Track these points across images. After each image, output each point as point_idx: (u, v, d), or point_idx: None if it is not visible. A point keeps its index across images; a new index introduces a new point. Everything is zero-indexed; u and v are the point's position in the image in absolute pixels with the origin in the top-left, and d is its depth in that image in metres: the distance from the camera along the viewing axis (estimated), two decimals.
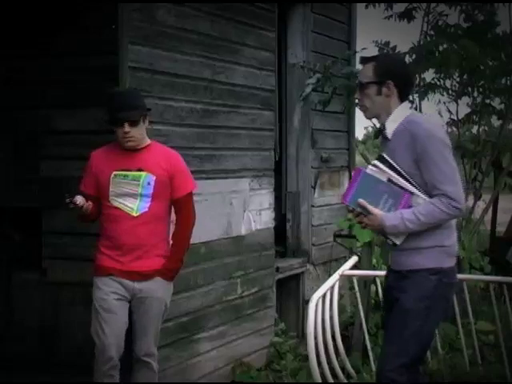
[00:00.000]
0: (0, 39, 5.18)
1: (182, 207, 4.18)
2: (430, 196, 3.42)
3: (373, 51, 6.92)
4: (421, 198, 3.44)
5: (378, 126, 3.69)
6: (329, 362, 4.87)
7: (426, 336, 3.52)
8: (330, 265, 7.20)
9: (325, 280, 5.31)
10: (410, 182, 3.45)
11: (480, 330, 6.13)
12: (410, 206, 3.44)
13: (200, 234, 5.27)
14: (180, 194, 4.16)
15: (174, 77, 5.01)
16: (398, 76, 3.52)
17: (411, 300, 3.43)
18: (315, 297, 4.69)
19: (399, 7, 7.01)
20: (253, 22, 5.88)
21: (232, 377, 5.70)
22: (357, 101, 3.65)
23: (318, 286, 5.10)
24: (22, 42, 5.22)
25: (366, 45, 6.94)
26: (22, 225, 5.39)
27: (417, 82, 6.86)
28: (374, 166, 3.48)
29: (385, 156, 3.48)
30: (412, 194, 3.45)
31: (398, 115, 3.51)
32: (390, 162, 3.46)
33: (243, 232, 5.83)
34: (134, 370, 4.16)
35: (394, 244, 3.49)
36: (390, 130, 3.51)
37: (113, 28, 4.63)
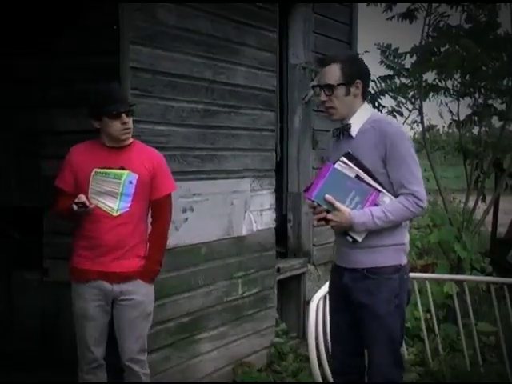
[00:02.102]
0: (0, 38, 5.18)
1: (161, 208, 4.12)
2: (395, 194, 3.46)
3: (375, 53, 6.95)
4: (387, 196, 3.46)
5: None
6: (330, 363, 4.86)
7: (401, 332, 3.60)
8: (331, 265, 7.18)
9: (326, 280, 5.28)
10: (376, 180, 3.46)
11: (481, 331, 6.14)
12: (375, 204, 3.44)
13: (201, 234, 5.28)
14: (160, 195, 4.10)
15: (175, 77, 5.01)
16: (364, 75, 3.59)
17: (382, 304, 3.48)
18: (316, 297, 4.69)
19: (401, 8, 7.02)
20: (254, 22, 5.88)
21: (233, 377, 5.70)
22: (322, 103, 3.60)
23: (319, 287, 5.10)
24: (22, 41, 5.21)
25: (367, 45, 6.98)
26: (23, 224, 5.39)
27: (418, 82, 6.86)
28: (343, 162, 3.47)
29: (352, 153, 3.47)
30: (379, 192, 3.45)
31: (359, 114, 3.55)
32: (357, 160, 3.46)
33: (244, 232, 5.82)
34: (124, 376, 4.14)
35: (354, 241, 3.48)
36: (354, 129, 3.53)
37: (114, 28, 4.63)
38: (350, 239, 3.49)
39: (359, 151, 3.48)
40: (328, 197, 3.45)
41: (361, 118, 3.54)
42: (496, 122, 7.82)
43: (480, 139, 7.35)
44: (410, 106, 7.01)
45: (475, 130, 7.85)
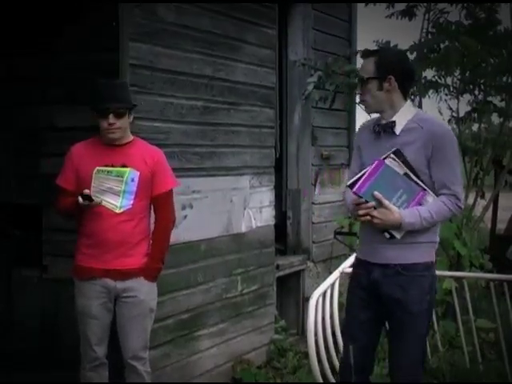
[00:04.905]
0: (0, 37, 5.18)
1: (162, 205, 4.11)
2: (436, 194, 3.46)
3: None
4: (431, 195, 3.46)
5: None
6: (329, 360, 4.86)
7: (428, 330, 3.63)
8: (330, 262, 7.20)
9: (325, 277, 5.30)
10: (420, 179, 3.45)
11: (480, 327, 6.14)
12: (420, 204, 3.44)
13: (200, 231, 5.28)
14: (160, 191, 4.09)
15: (174, 74, 5.01)
16: (398, 71, 3.51)
17: (414, 302, 3.47)
18: (315, 294, 4.69)
19: (400, 5, 7.00)
20: (253, 19, 5.87)
21: (232, 374, 5.70)
22: (358, 96, 3.59)
23: (319, 284, 5.10)
24: (22, 40, 5.21)
25: (366, 42, 6.98)
26: (23, 222, 5.39)
27: (418, 79, 6.86)
28: (393, 159, 3.43)
29: (401, 151, 3.44)
30: (425, 191, 3.45)
31: (403, 112, 3.51)
32: (405, 157, 3.43)
33: (243, 229, 5.82)
34: (125, 374, 4.14)
35: (392, 237, 3.46)
36: (398, 126, 3.49)
37: (113, 25, 4.63)
38: (388, 236, 3.47)
39: (404, 149, 3.45)
40: (377, 194, 3.42)
41: (404, 116, 3.50)
42: (495, 118, 7.82)
43: (479, 136, 7.35)
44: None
45: (475, 127, 7.85)
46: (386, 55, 3.58)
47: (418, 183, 3.44)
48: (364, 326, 3.61)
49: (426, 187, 3.46)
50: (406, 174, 3.44)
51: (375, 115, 3.69)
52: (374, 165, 3.46)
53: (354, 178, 3.50)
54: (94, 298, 4.01)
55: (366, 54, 3.56)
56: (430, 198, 3.46)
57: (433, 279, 3.55)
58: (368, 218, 3.44)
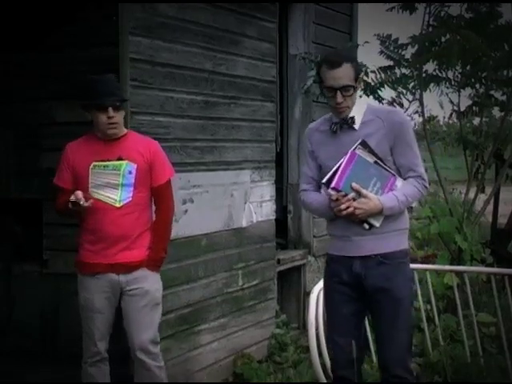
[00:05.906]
0: (0, 34, 5.17)
1: (162, 195, 4.12)
2: (402, 178, 3.60)
3: (375, 44, 6.92)
4: (399, 180, 3.57)
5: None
6: (330, 353, 4.86)
7: (412, 316, 3.75)
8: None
9: None
10: (388, 166, 3.55)
11: (481, 321, 6.14)
12: (391, 189, 3.54)
13: (201, 225, 5.28)
14: (159, 182, 4.09)
15: (174, 68, 5.00)
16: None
17: (400, 288, 3.56)
18: (316, 288, 4.69)
19: None
20: (254, 12, 5.86)
21: (233, 368, 5.71)
22: (337, 103, 3.54)
23: (319, 278, 5.09)
24: (21, 35, 5.20)
25: (367, 36, 6.94)
26: (23, 217, 5.39)
27: (419, 73, 6.84)
28: (362, 150, 3.51)
29: (367, 142, 3.52)
30: (395, 176, 3.55)
31: (357, 106, 3.61)
32: (370, 147, 3.52)
33: (244, 224, 5.82)
34: (134, 369, 4.13)
35: (371, 227, 3.52)
36: (357, 121, 3.58)
37: (113, 19, 4.62)
38: (367, 226, 3.53)
39: (366, 141, 3.54)
40: (355, 185, 3.48)
41: (359, 110, 3.61)
42: (497, 112, 7.80)
43: (481, 130, 7.33)
44: (411, 97, 6.99)
45: (476, 121, 7.83)
46: (354, 58, 3.73)
47: (387, 170, 3.55)
48: (350, 320, 3.64)
49: (394, 173, 3.57)
50: (375, 162, 3.53)
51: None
52: (346, 158, 3.52)
53: (328, 176, 3.54)
54: (97, 292, 4.01)
55: (339, 61, 3.51)
56: (399, 182, 3.57)
57: (409, 264, 3.67)
58: (351, 210, 3.47)
